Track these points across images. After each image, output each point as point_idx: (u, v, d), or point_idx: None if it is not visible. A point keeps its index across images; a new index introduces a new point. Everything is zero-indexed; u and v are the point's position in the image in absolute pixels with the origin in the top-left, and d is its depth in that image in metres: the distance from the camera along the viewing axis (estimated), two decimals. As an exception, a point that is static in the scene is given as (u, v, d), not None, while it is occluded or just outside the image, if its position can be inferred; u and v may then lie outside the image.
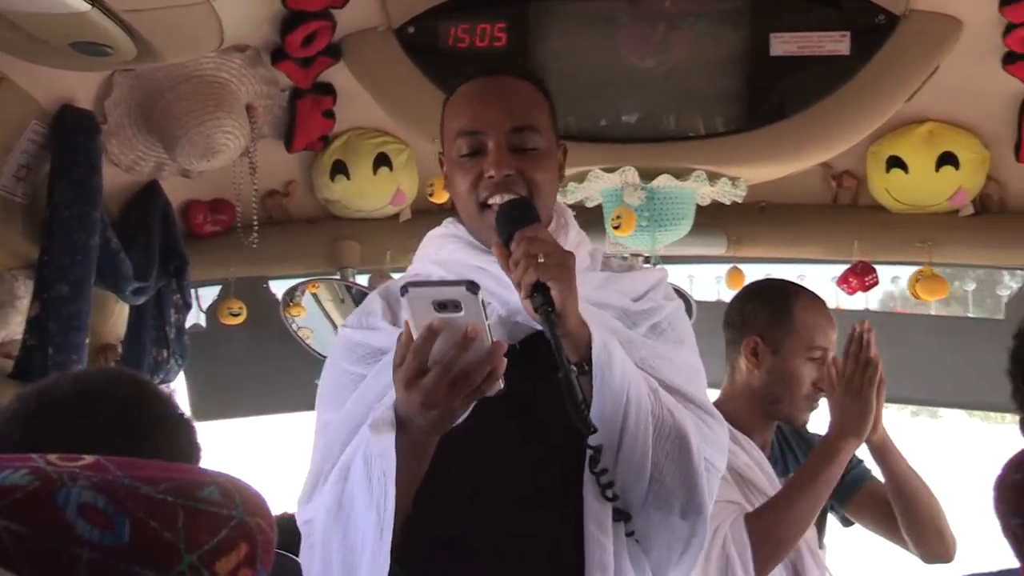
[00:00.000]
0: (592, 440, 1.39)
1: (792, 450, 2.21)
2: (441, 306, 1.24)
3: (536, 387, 1.45)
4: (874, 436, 1.99)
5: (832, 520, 2.27)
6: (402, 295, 1.26)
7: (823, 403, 2.07)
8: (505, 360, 1.28)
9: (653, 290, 1.62)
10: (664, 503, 1.44)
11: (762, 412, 2.13)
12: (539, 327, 1.46)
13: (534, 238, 1.39)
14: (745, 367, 2.16)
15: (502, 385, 1.29)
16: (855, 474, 2.18)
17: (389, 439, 1.33)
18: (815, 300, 2.22)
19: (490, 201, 1.51)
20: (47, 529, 0.66)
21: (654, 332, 1.57)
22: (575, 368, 1.37)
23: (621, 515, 1.45)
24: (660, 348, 1.55)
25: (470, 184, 1.52)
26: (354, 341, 1.57)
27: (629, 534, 1.46)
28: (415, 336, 1.27)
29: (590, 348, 1.39)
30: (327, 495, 1.43)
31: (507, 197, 1.49)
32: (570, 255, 1.40)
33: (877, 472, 2.13)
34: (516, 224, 1.43)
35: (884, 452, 2.02)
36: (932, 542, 2.06)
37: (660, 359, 1.53)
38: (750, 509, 2.00)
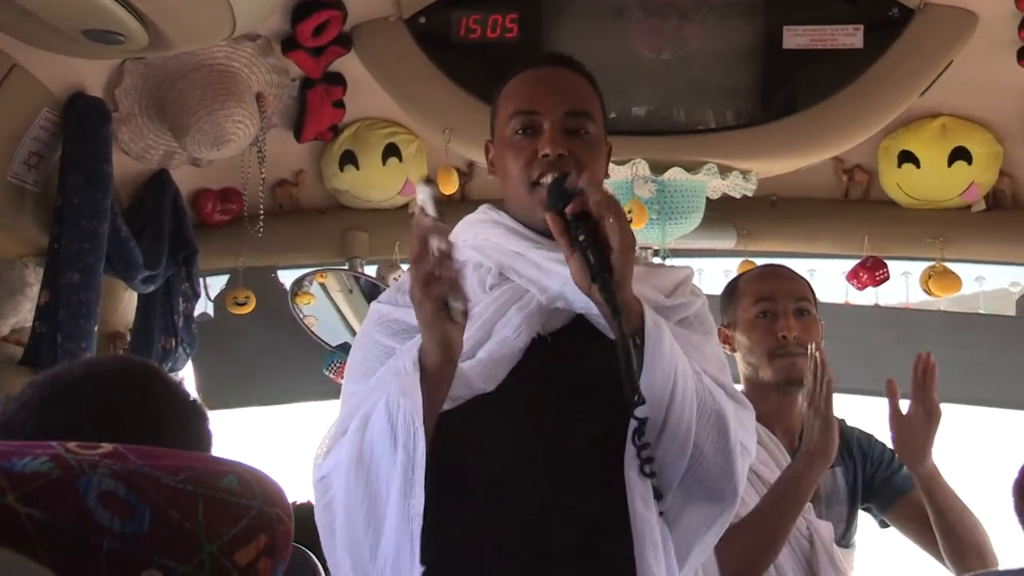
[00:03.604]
0: (638, 413, 1.39)
1: None
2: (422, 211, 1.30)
3: (575, 375, 1.47)
4: (922, 468, 1.95)
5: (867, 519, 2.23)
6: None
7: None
8: (466, 276, 1.30)
9: (682, 285, 1.63)
10: (699, 484, 1.44)
11: (768, 397, 2.11)
12: (575, 313, 1.48)
13: (606, 199, 1.40)
14: (736, 360, 2.16)
15: (461, 305, 1.30)
16: (897, 482, 2.13)
17: (414, 378, 1.34)
18: (761, 267, 2.24)
19: (542, 180, 1.51)
20: (68, 517, 0.66)
21: (683, 325, 1.58)
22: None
23: (655, 493, 1.45)
24: (692, 338, 1.56)
25: (523, 163, 1.53)
26: (390, 317, 1.57)
27: (660, 513, 1.46)
28: None
29: (641, 321, 1.40)
30: (346, 447, 1.40)
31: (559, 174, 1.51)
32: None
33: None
34: (567, 196, 1.43)
35: (931, 484, 1.98)
36: (974, 568, 2.03)
37: (693, 349, 1.53)
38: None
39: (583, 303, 1.46)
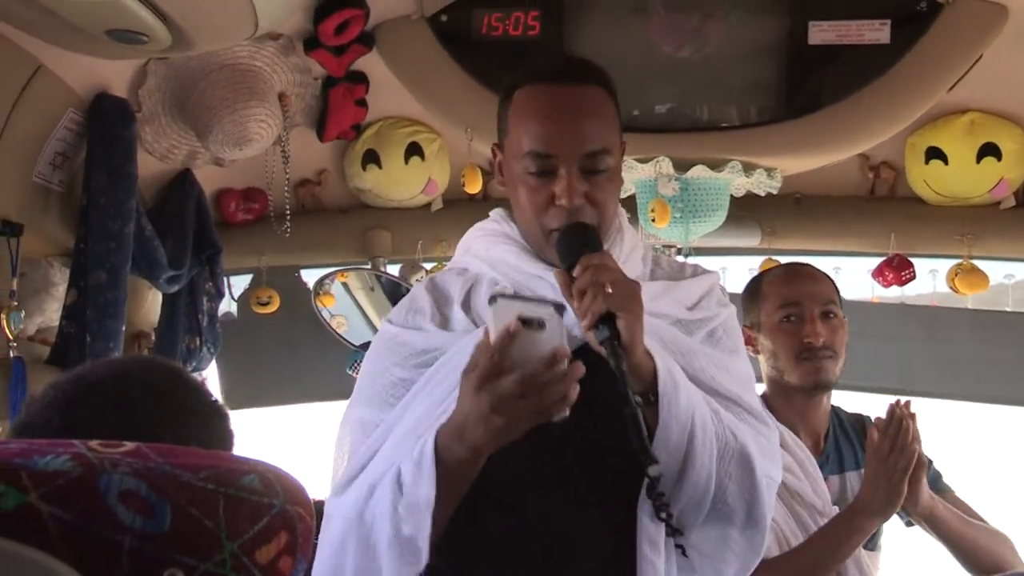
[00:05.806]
0: (652, 470, 1.34)
1: (850, 441, 2.15)
2: (525, 322, 1.23)
3: (589, 398, 1.40)
4: (919, 509, 1.94)
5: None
6: (489, 304, 1.26)
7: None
8: (578, 387, 1.24)
9: (707, 297, 1.59)
10: (723, 520, 1.42)
11: (793, 400, 2.09)
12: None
13: (601, 266, 1.35)
14: (760, 362, 2.14)
15: (567, 413, 1.25)
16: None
17: (424, 480, 1.31)
18: (785, 267, 2.24)
19: (558, 229, 1.46)
20: (90, 516, 0.66)
21: (710, 339, 1.54)
22: (640, 399, 1.33)
23: (673, 531, 1.42)
24: (717, 356, 1.52)
25: (538, 207, 1.47)
26: (398, 340, 1.53)
27: (678, 546, 1.43)
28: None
29: (654, 378, 1.36)
30: (348, 505, 1.40)
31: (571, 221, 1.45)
32: (637, 285, 1.36)
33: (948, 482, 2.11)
34: (579, 251, 1.39)
35: (933, 521, 1.98)
36: None
37: (718, 368, 1.50)
38: (790, 520, 1.97)
39: None
